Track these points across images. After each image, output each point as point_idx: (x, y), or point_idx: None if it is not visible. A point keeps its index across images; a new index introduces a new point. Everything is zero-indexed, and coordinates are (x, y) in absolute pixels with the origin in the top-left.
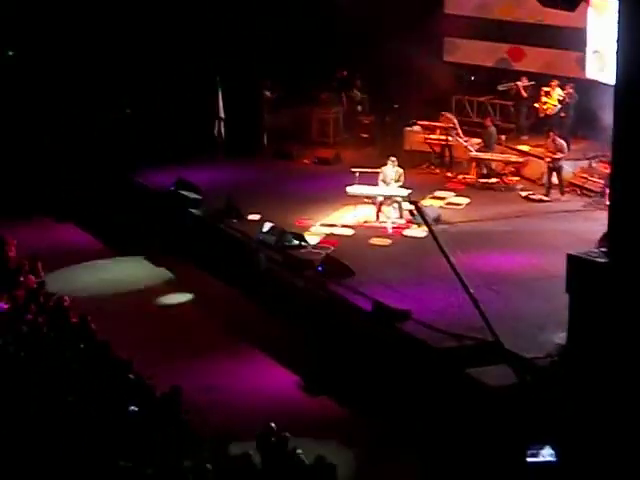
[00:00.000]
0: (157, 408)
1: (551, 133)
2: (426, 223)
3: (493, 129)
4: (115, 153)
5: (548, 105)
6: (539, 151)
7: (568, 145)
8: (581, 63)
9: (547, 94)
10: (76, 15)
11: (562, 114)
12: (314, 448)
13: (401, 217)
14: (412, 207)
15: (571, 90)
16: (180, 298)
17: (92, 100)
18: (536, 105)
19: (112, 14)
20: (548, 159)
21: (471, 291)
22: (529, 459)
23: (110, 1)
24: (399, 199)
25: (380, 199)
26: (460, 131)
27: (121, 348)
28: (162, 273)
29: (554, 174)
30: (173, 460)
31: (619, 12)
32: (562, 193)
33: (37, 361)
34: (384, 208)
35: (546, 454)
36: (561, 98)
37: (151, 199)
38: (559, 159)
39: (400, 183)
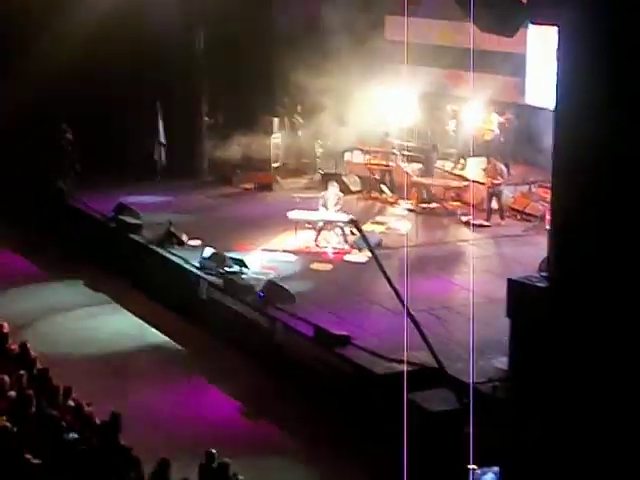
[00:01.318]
0: (97, 435)
1: (492, 158)
2: (366, 242)
3: (434, 154)
4: (54, 177)
5: (487, 130)
6: (479, 176)
7: (508, 170)
8: (520, 88)
9: (487, 119)
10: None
11: (501, 139)
12: (255, 472)
13: (345, 242)
14: (352, 228)
15: (510, 115)
16: (120, 324)
17: (31, 124)
18: (476, 130)
19: (53, 36)
20: (488, 184)
21: (411, 312)
22: None
23: (52, 24)
24: (341, 224)
25: (320, 224)
26: (399, 156)
27: (60, 376)
28: (101, 298)
29: (494, 199)
30: None
31: (558, 39)
32: (502, 218)
33: None
34: (325, 233)
35: (489, 478)
36: (500, 123)
37: (91, 224)
38: (499, 184)
39: (339, 207)
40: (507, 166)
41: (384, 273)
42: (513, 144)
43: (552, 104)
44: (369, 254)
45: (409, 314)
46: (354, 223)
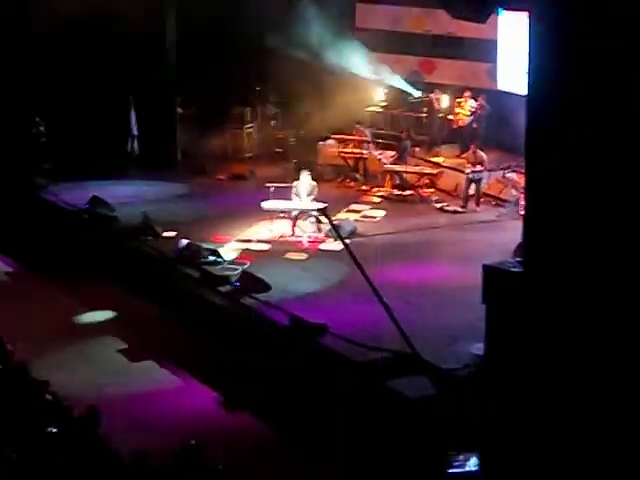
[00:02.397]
0: (75, 428)
1: (472, 145)
2: (336, 231)
3: (407, 142)
4: (27, 169)
5: (460, 116)
6: (454, 162)
7: None
8: (492, 74)
9: (459, 105)
10: None
11: (474, 125)
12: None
13: (319, 231)
14: (320, 216)
15: (483, 101)
16: (98, 316)
17: (3, 117)
18: (450, 117)
19: (26, 31)
20: (468, 171)
21: (384, 301)
22: (450, 470)
23: (23, 18)
24: (315, 213)
25: (295, 213)
26: (372, 144)
27: (39, 368)
28: (76, 292)
29: (472, 186)
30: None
31: (529, 23)
32: (477, 204)
33: None
34: (300, 222)
35: (470, 464)
36: (473, 109)
37: (64, 217)
38: (479, 171)
39: (313, 196)
40: (482, 150)
41: (355, 261)
42: (486, 129)
43: (524, 89)
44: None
45: (381, 301)
46: (323, 212)
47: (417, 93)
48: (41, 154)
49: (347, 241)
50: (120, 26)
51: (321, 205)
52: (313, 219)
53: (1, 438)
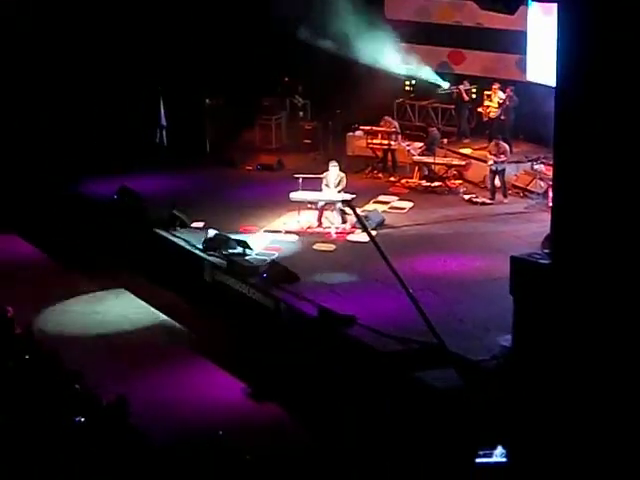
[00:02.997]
0: (104, 417)
1: (495, 137)
2: (361, 223)
3: (436, 133)
4: (57, 162)
5: (490, 108)
6: (481, 154)
7: (510, 148)
8: (521, 66)
9: (489, 97)
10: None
11: (502, 117)
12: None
13: (345, 222)
14: (346, 208)
15: (511, 93)
16: (126, 308)
17: (33, 107)
18: (479, 110)
19: (55, 23)
20: (491, 162)
21: (411, 292)
22: (478, 460)
23: (52, 11)
24: (340, 205)
25: (322, 204)
26: (401, 135)
27: (67, 360)
28: (106, 282)
29: (497, 177)
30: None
31: (558, 15)
32: (505, 196)
33: None
34: (327, 213)
35: (497, 454)
36: (501, 101)
37: (94, 209)
38: (502, 162)
39: (341, 187)
40: (509, 143)
41: (381, 252)
42: (515, 121)
43: (553, 81)
44: (372, 233)
45: (408, 293)
46: (348, 203)
47: (446, 84)
48: (70, 145)
49: (374, 232)
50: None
51: (348, 197)
52: (340, 210)
53: (31, 427)
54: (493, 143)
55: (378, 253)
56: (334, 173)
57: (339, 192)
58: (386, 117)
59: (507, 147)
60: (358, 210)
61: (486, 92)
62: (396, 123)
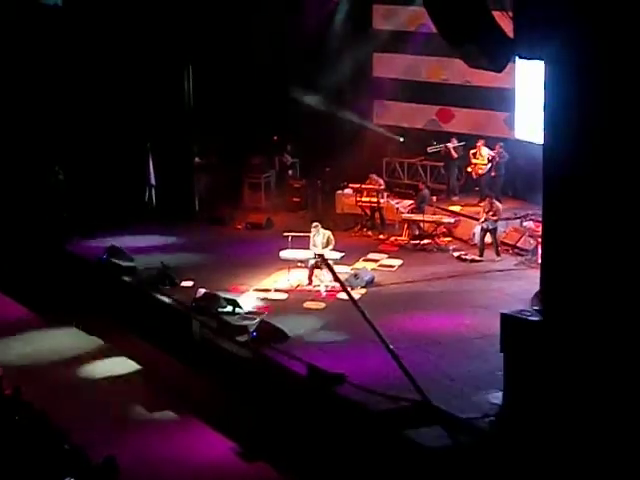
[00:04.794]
0: (93, 478)
1: (488, 197)
2: (334, 276)
3: (426, 192)
4: (47, 221)
5: (479, 165)
6: (471, 211)
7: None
8: (509, 123)
9: (474, 155)
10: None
11: (493, 173)
12: None
13: (336, 280)
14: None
15: (501, 149)
16: (115, 367)
17: (22, 166)
18: (469, 169)
19: (43, 79)
20: (482, 220)
21: (392, 348)
22: None
23: (42, 66)
24: (315, 259)
25: (312, 263)
26: (388, 193)
27: (56, 419)
28: (95, 341)
29: (487, 235)
30: None
31: (545, 72)
32: (498, 254)
33: None
34: (317, 272)
35: None
36: (490, 157)
37: (83, 268)
38: (495, 221)
39: (331, 246)
40: (499, 200)
41: (360, 310)
42: (504, 178)
43: (541, 138)
44: (362, 291)
45: (389, 349)
46: (322, 258)
47: (434, 142)
48: (61, 203)
49: (364, 290)
50: (138, 76)
51: (340, 254)
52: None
53: None
54: (487, 201)
55: (369, 311)
56: (320, 234)
57: (330, 251)
58: (372, 175)
59: (500, 207)
60: (348, 268)
61: (471, 151)
62: (381, 181)
